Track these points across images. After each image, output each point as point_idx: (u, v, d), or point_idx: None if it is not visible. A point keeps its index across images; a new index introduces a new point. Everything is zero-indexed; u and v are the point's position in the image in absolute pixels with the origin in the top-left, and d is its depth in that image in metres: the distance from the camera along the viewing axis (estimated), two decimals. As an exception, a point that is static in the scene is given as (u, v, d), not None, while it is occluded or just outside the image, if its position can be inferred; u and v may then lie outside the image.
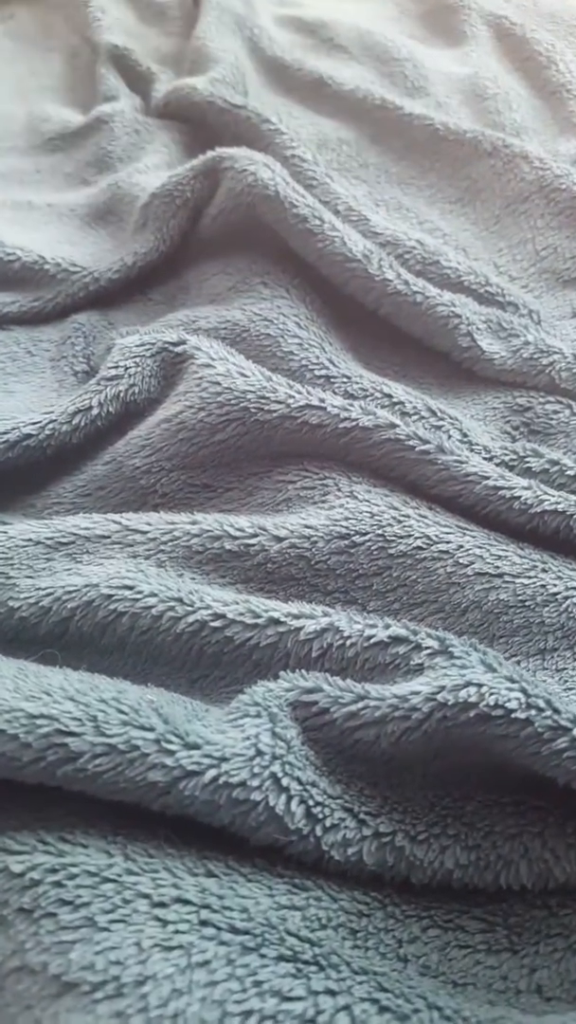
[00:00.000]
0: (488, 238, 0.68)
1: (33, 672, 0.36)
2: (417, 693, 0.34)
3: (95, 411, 0.50)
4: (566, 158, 0.72)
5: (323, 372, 0.54)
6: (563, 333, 0.60)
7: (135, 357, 0.52)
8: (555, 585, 0.43)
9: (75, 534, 0.44)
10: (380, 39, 0.88)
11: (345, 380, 0.53)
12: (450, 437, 0.50)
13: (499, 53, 0.88)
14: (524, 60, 0.87)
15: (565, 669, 0.41)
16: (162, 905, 0.30)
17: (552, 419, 0.54)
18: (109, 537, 0.44)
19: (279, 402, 0.48)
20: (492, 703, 0.33)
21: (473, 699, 0.33)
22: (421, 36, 0.93)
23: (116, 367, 0.51)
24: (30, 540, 0.43)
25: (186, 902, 0.30)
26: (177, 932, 0.29)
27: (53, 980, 0.28)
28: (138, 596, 0.40)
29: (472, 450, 0.49)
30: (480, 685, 0.34)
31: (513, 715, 0.33)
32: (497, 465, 0.49)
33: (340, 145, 0.77)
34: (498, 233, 0.68)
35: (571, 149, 0.73)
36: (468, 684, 0.34)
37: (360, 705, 0.35)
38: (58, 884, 0.30)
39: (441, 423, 0.51)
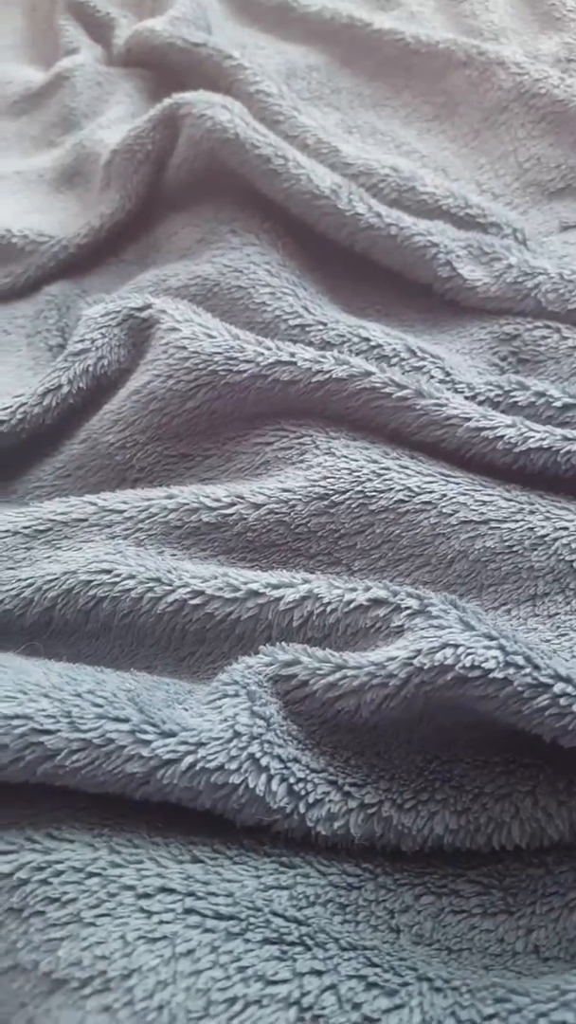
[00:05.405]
0: (468, 155, 0.64)
1: (14, 669, 0.36)
2: (393, 659, 0.33)
3: (65, 389, 0.49)
4: (548, 58, 0.67)
5: (297, 321, 0.51)
6: (550, 250, 0.56)
7: (101, 328, 0.50)
8: (543, 527, 0.41)
9: (52, 520, 0.43)
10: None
11: (321, 327, 0.51)
12: (431, 378, 0.48)
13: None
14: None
15: (557, 614, 0.39)
16: (147, 896, 0.30)
17: (540, 345, 0.51)
18: (86, 520, 0.43)
19: (248, 361, 0.46)
20: (468, 664, 0.32)
21: (449, 661, 0.32)
22: None
23: (82, 340, 0.50)
24: (7, 531, 0.43)
25: (171, 891, 0.30)
26: (162, 923, 0.29)
27: (44, 978, 0.29)
28: (116, 579, 0.40)
29: (455, 390, 0.47)
30: (456, 646, 0.33)
31: (491, 675, 0.32)
32: (481, 403, 0.47)
33: (310, 72, 0.73)
34: (478, 148, 0.64)
35: (553, 47, 0.68)
36: (444, 646, 0.33)
37: (339, 675, 0.34)
38: (45, 882, 0.30)
39: (422, 363, 0.49)
